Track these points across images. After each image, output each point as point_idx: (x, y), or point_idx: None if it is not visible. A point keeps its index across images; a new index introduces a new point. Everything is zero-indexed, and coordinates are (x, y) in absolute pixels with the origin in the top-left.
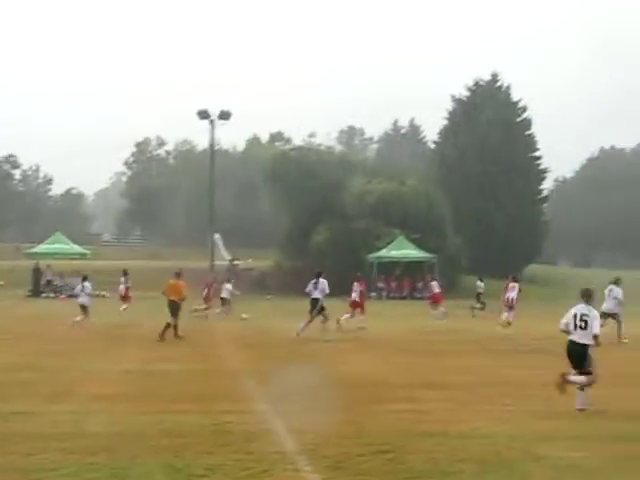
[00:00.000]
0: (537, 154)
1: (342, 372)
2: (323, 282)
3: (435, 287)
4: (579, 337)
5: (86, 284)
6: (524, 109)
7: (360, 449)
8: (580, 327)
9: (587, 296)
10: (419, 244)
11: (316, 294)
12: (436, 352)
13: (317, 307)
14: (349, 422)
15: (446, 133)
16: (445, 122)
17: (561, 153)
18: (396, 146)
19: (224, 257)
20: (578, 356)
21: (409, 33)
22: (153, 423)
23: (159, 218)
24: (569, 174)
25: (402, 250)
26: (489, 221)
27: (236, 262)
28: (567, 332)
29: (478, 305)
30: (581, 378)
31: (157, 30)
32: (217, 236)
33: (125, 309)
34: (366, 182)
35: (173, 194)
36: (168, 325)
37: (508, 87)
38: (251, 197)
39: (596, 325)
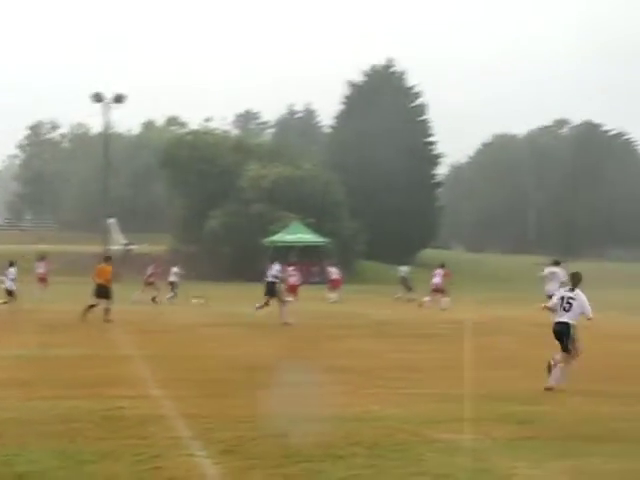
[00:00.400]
0: (432, 139)
1: (237, 356)
2: (277, 267)
3: (334, 273)
4: (560, 317)
5: (10, 270)
6: (419, 94)
7: (254, 433)
8: (564, 309)
9: (576, 280)
10: (314, 228)
11: (271, 278)
12: (331, 336)
13: (278, 290)
14: (243, 406)
15: (342, 118)
16: (341, 107)
17: (457, 139)
18: (292, 130)
19: (119, 242)
20: (561, 333)
21: (306, 19)
22: (45, 409)
23: (53, 202)
24: (464, 159)
25: (297, 234)
26: (384, 206)
27: (131, 247)
28: (553, 311)
29: (404, 290)
30: (560, 356)
31: (50, 11)
32: (112, 221)
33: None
34: (262, 166)
35: (67, 178)
36: (91, 306)
37: (403, 72)
38: (146, 181)
39: (587, 308)
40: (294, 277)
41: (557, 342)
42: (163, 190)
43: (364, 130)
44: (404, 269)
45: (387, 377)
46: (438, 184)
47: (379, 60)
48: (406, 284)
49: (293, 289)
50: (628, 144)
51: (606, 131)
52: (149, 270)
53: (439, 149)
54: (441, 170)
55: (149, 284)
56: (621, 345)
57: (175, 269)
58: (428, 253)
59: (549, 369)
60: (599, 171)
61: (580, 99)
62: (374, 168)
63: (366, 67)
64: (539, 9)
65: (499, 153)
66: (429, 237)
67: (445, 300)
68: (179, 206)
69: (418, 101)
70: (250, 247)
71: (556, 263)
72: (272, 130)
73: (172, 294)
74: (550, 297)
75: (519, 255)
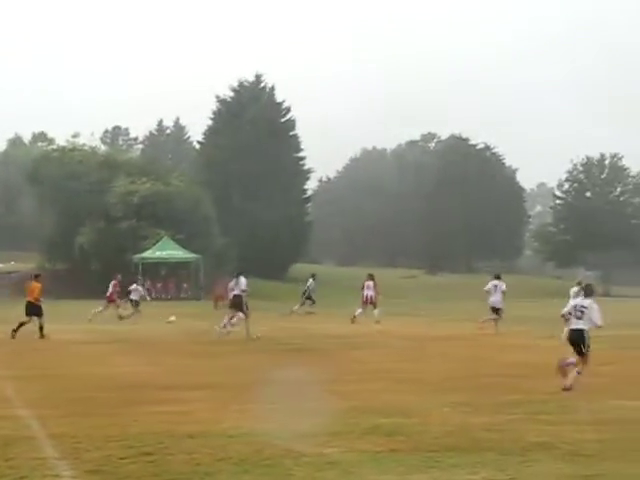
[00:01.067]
0: (301, 154)
1: (106, 374)
2: (243, 281)
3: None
4: (576, 324)
5: None
6: (288, 110)
7: (123, 452)
8: (577, 317)
9: (589, 291)
10: (184, 244)
11: (236, 291)
12: (201, 353)
13: (244, 303)
14: (112, 425)
15: (211, 133)
16: (210, 122)
17: (326, 153)
18: (161, 146)
19: None
20: (576, 340)
21: (178, 34)
22: None
23: None
24: (332, 174)
25: (167, 250)
26: (255, 221)
27: None
28: (566, 319)
29: (307, 303)
30: (574, 359)
31: None
32: None
33: None
34: (130, 182)
35: None
36: (22, 324)
37: (272, 88)
38: (13, 199)
39: (597, 317)
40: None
41: (572, 347)
42: (31, 208)
43: (233, 145)
44: (309, 282)
45: (257, 393)
46: (308, 199)
47: (248, 75)
48: (309, 297)
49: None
50: (496, 157)
51: (473, 145)
52: (110, 287)
53: (308, 164)
54: (311, 185)
55: (111, 302)
56: (493, 355)
57: (138, 286)
58: (298, 268)
59: (561, 372)
60: (468, 184)
61: (449, 114)
62: (244, 183)
63: (235, 82)
64: (402, 27)
65: (368, 167)
66: (299, 252)
67: (377, 312)
68: (47, 223)
69: (288, 116)
70: (119, 264)
71: (497, 277)
72: (141, 146)
73: (134, 311)
74: (493, 309)
75: (389, 268)
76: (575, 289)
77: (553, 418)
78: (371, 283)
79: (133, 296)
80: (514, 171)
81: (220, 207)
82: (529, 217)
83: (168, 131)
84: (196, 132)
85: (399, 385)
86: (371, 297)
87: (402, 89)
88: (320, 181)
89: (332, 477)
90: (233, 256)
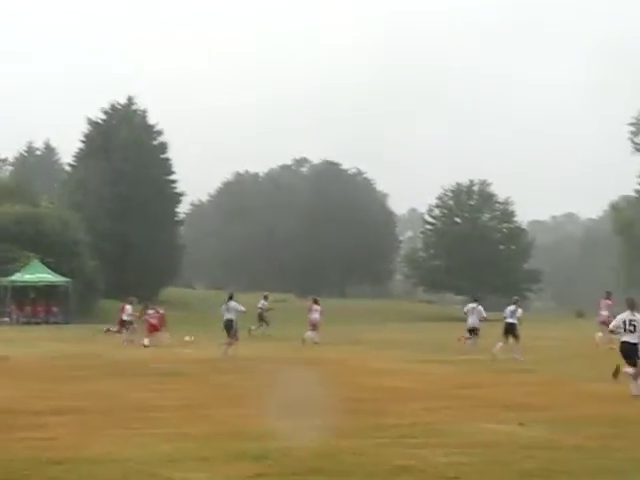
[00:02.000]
0: (173, 177)
1: None
2: (235, 304)
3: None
4: (630, 338)
5: None
6: (160, 133)
7: None
8: (630, 330)
9: (632, 305)
10: (54, 267)
11: (228, 315)
12: (68, 377)
13: (233, 327)
14: None
15: (82, 155)
16: (81, 145)
17: (198, 177)
18: (31, 167)
19: None
20: (630, 352)
21: (48, 58)
22: None
23: None
24: (205, 198)
25: (36, 274)
26: (126, 244)
27: None
28: (616, 333)
29: (258, 325)
30: (631, 369)
31: None
32: None
33: None
34: None
35: None
36: None
37: (144, 110)
38: None
39: None
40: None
41: (625, 359)
42: None
43: (104, 168)
44: (261, 302)
45: (127, 417)
46: (180, 222)
47: (120, 98)
48: (263, 318)
49: None
50: (367, 183)
51: (345, 170)
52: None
53: (180, 187)
54: (183, 208)
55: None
56: (361, 379)
57: (128, 307)
58: (170, 291)
59: (615, 375)
60: (339, 209)
61: (321, 139)
62: (115, 206)
63: (106, 105)
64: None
65: (240, 191)
66: (171, 275)
67: (314, 333)
68: None
69: (160, 139)
70: None
71: (475, 300)
72: (10, 167)
73: (127, 333)
74: (470, 330)
75: (260, 292)
76: (511, 307)
77: (419, 442)
78: (318, 307)
79: (125, 317)
80: (385, 196)
81: (91, 230)
82: (400, 242)
83: (38, 152)
84: (67, 154)
85: (267, 410)
86: (315, 319)
87: (276, 113)
88: (192, 204)
89: None
90: (103, 279)
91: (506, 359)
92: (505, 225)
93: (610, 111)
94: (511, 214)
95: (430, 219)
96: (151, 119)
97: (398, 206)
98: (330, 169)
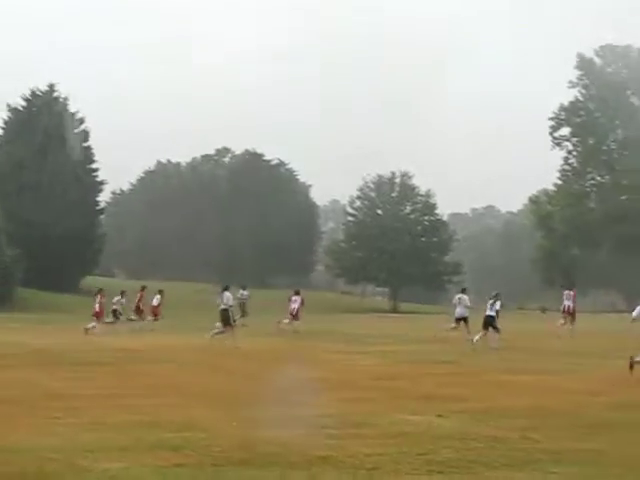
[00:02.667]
0: (94, 166)
1: None
2: (227, 294)
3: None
4: None
5: None
6: (82, 121)
7: None
8: None
9: None
10: None
11: (223, 305)
12: None
13: (230, 317)
14: None
15: (1, 142)
16: (0, 132)
17: (120, 166)
18: None
19: None
20: None
21: None
22: None
23: None
24: (126, 186)
25: None
26: (45, 232)
27: None
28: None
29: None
30: None
31: None
32: None
33: None
34: None
35: None
36: None
37: (66, 98)
38: None
39: None
40: None
41: None
42: None
43: (24, 155)
44: (244, 293)
45: (45, 406)
46: (101, 211)
47: (42, 85)
48: (243, 308)
49: None
50: (289, 173)
51: (267, 160)
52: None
53: (101, 176)
54: (103, 197)
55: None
56: (283, 369)
57: (117, 298)
58: (90, 280)
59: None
60: (261, 199)
61: (243, 129)
62: (35, 194)
63: (27, 91)
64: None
65: (162, 180)
66: (91, 264)
67: (297, 323)
68: None
69: (81, 127)
70: None
71: (463, 291)
72: None
73: (113, 320)
74: (457, 319)
75: (182, 282)
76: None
77: (339, 432)
78: (298, 298)
79: (115, 306)
80: (308, 187)
81: (10, 218)
82: (322, 233)
83: None
84: None
85: (187, 399)
86: (295, 309)
87: (198, 102)
88: (114, 193)
89: None
90: (22, 268)
91: (427, 350)
92: (426, 217)
93: (530, 106)
94: (432, 206)
95: (352, 210)
96: (72, 107)
97: (320, 197)
98: (252, 159)
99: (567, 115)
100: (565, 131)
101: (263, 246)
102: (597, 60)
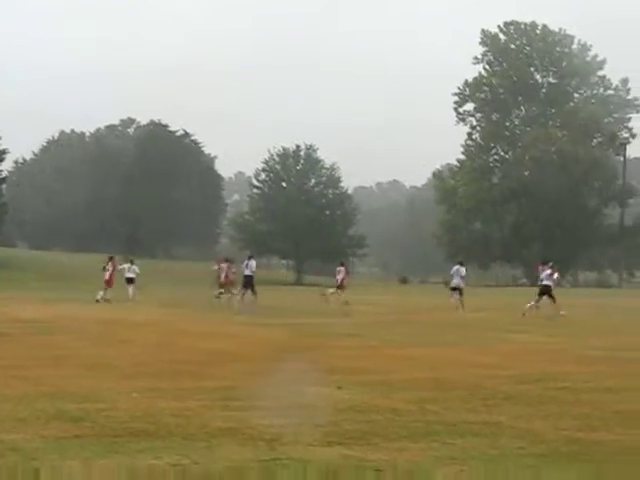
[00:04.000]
0: None
1: None
2: (252, 262)
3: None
4: None
5: None
6: None
7: None
8: None
9: None
10: None
11: (247, 272)
12: None
13: (252, 283)
14: None
15: None
16: None
17: (21, 135)
18: None
19: None
20: None
21: None
22: None
23: None
24: (29, 156)
25: None
26: None
27: None
28: None
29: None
30: None
31: None
32: None
33: None
34: None
35: None
36: None
37: None
38: None
39: None
40: None
41: None
42: None
43: None
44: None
45: None
46: (2, 180)
47: None
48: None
49: None
50: (194, 145)
51: (173, 131)
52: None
53: (3, 145)
54: (5, 166)
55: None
56: (183, 341)
57: (134, 266)
58: None
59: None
60: (166, 170)
61: (148, 100)
62: None
63: None
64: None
65: (65, 150)
66: None
67: (343, 294)
68: None
69: None
70: None
71: (460, 263)
72: None
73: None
74: (453, 289)
75: (85, 253)
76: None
77: (239, 404)
78: (342, 268)
79: (129, 274)
80: (213, 159)
81: None
82: (226, 205)
83: None
84: None
85: (88, 371)
86: (341, 280)
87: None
88: (16, 162)
89: (14, 463)
90: None
91: (331, 323)
92: (331, 191)
93: (435, 80)
94: (337, 180)
95: (257, 183)
96: None
97: (226, 169)
98: (157, 130)
99: (471, 91)
100: (469, 107)
101: (167, 217)
102: (501, 36)
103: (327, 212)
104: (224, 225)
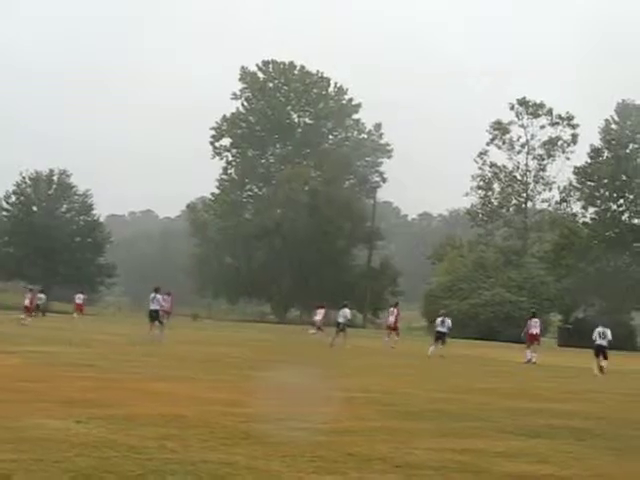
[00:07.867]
0: None
1: None
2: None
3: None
4: None
5: None
6: None
7: None
8: None
9: None
10: None
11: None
12: None
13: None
14: None
15: None
16: None
17: None
18: None
19: None
20: None
21: None
22: None
23: None
24: None
25: None
26: None
27: None
28: None
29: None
30: None
31: None
32: None
33: None
34: None
35: None
36: None
37: None
38: None
39: None
40: None
41: None
42: None
43: None
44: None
45: None
46: None
47: None
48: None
49: None
50: None
51: None
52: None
53: None
54: None
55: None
56: None
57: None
58: None
59: None
60: None
61: None
62: None
63: None
64: None
65: None
66: None
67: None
68: None
69: None
70: None
71: (344, 305)
72: None
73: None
74: (338, 324)
75: None
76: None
77: None
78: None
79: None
80: None
81: None
82: None
83: None
84: None
85: None
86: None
87: None
88: None
89: None
90: None
91: (70, 353)
92: (83, 217)
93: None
94: (89, 207)
95: (6, 205)
96: None
97: None
98: None
99: (228, 126)
100: (226, 141)
101: None
102: (260, 74)
103: (78, 239)
104: None
